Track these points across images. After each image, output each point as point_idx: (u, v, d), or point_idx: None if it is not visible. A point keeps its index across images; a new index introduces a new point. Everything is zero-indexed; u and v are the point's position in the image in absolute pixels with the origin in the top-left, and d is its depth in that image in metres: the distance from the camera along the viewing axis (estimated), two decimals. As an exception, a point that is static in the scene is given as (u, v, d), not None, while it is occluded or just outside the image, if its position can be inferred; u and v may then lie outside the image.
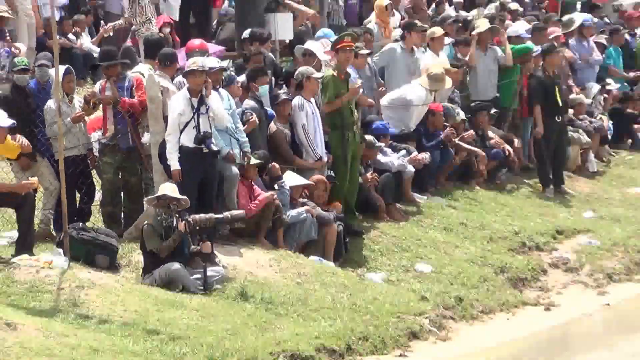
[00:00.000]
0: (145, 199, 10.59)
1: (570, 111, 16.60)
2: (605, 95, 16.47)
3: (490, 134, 14.98)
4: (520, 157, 15.32)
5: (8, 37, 15.24)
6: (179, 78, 10.88)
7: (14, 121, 9.71)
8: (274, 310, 10.18)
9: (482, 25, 15.85)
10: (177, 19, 15.42)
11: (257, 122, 11.98)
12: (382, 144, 13.38)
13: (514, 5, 18.84)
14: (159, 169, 10.59)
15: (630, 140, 16.75)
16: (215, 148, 10.53)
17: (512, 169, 15.15)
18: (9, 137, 9.47)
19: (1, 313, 8.54)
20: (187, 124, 10.27)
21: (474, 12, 17.85)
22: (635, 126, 16.97)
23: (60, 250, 9.83)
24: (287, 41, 14.56)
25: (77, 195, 10.65)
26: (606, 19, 20.44)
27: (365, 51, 13.49)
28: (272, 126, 12.39)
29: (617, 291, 12.96)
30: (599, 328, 12.49)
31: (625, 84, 16.99)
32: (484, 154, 14.50)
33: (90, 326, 8.90)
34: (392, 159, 13.17)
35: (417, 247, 12.84)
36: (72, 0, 17.83)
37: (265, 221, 11.11)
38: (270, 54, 13.35)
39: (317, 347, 9.49)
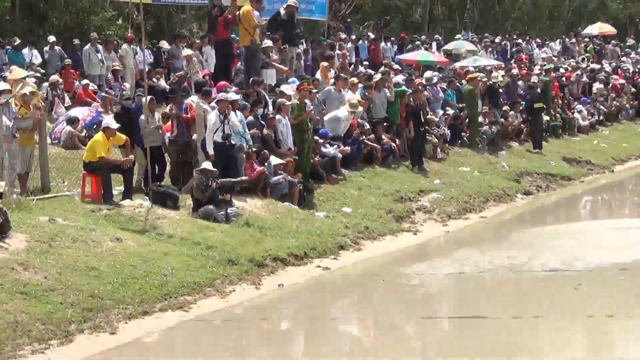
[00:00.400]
0: (194, 170, 10.22)
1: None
2: (446, 116, 16.18)
3: (384, 136, 14.26)
4: (400, 149, 14.61)
5: (120, 79, 15.11)
6: (213, 103, 10.55)
7: (119, 124, 9.71)
8: (264, 232, 9.82)
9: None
10: (213, 71, 14.63)
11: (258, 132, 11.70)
12: (324, 141, 12.93)
13: (396, 66, 18.65)
14: (201, 154, 10.37)
15: (459, 141, 16.30)
16: (233, 142, 10.33)
17: (395, 156, 14.43)
18: (118, 132, 9.49)
19: (113, 232, 8.52)
20: (217, 129, 10.11)
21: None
22: (462, 133, 16.47)
23: (147, 197, 9.76)
24: (272, 85, 14.07)
25: (156, 167, 10.35)
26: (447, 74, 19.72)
27: (315, 90, 13.34)
28: (265, 131, 11.70)
29: (454, 224, 12.33)
30: (445, 244, 11.64)
31: (457, 110, 16.62)
32: (379, 147, 14.05)
33: (163, 240, 8.74)
34: (329, 149, 12.74)
35: (344, 198, 12.14)
36: (155, 59, 16.86)
37: (259, 183, 10.90)
38: (263, 91, 13.02)
39: (288, 253, 9.36)
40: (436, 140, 15.15)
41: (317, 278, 9.12)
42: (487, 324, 6.98)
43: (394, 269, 9.82)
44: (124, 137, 9.72)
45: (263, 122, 11.86)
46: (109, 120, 10.29)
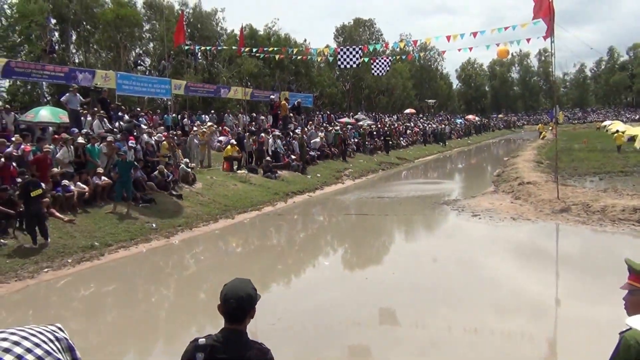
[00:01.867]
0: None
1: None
2: (354, 139, 32.05)
3: (331, 148, 28.95)
4: (340, 153, 29.93)
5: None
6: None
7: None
8: (287, 183, 22.59)
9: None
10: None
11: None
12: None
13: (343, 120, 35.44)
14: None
15: (361, 151, 32.05)
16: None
17: (340, 155, 29.73)
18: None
19: (234, 182, 21.63)
20: None
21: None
22: (361, 148, 34.43)
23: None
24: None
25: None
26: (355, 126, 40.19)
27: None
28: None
29: (358, 181, 26.78)
30: (353, 188, 24.32)
31: (359, 139, 33.11)
32: (337, 150, 28.94)
33: (251, 185, 22.08)
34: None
35: (319, 171, 26.46)
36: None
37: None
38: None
39: (296, 190, 22.18)
40: (350, 149, 30.81)
41: (307, 199, 21.90)
42: (368, 217, 19.08)
43: (334, 196, 22.93)
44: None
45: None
46: None
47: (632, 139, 42.43)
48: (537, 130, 65.74)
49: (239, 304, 2.93)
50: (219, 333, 2.99)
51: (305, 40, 60.42)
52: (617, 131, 42.72)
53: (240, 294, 2.95)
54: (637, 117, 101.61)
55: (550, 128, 57.22)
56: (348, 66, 26.06)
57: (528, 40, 21.21)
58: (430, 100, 78.97)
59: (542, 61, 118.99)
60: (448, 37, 23.47)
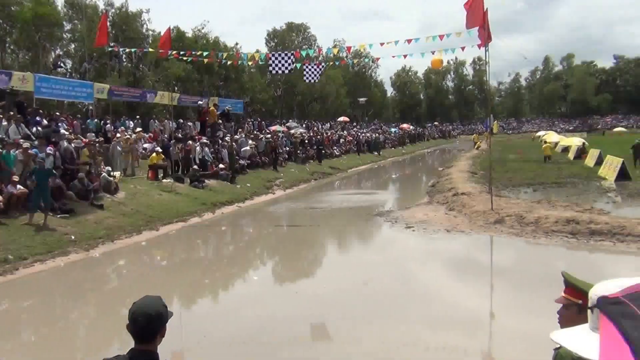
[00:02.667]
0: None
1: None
2: (287, 148, 32.59)
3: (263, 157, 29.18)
4: (270, 162, 30.23)
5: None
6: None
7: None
8: (215, 192, 23.22)
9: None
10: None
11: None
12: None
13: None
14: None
15: (293, 160, 32.50)
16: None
17: (271, 164, 29.97)
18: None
19: (158, 191, 21.58)
20: None
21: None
22: (292, 156, 34.54)
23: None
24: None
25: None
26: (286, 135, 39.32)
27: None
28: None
29: (288, 190, 27.07)
30: (284, 199, 24.40)
31: (292, 147, 33.63)
32: (268, 159, 29.12)
33: (177, 195, 22.00)
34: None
35: (249, 180, 26.78)
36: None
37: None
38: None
39: (224, 201, 22.34)
40: (282, 158, 31.13)
41: (236, 210, 21.98)
42: (300, 229, 19.36)
43: (265, 207, 23.17)
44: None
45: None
46: None
47: (566, 149, 44.89)
48: (472, 140, 68.03)
49: (148, 323, 2.88)
50: (127, 354, 2.92)
51: (236, 44, 60.27)
52: (545, 142, 44.94)
53: (149, 312, 2.91)
54: (571, 127, 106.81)
55: (485, 138, 59.27)
56: (280, 72, 26.17)
57: (463, 48, 21.76)
58: (361, 99, 79.20)
59: (477, 70, 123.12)
60: (382, 44, 23.97)
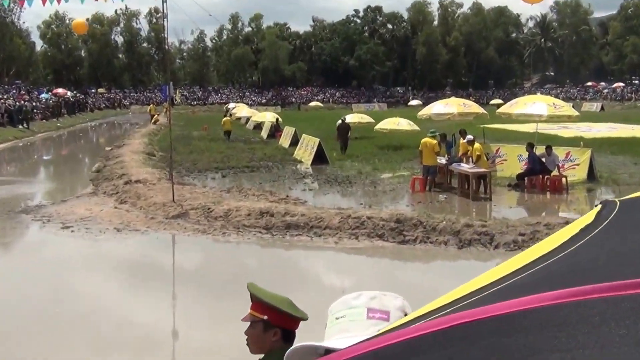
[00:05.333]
0: None
1: None
2: None
3: None
4: None
5: None
6: None
7: None
8: None
9: None
10: None
11: None
12: None
13: None
14: None
15: None
16: None
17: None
18: None
19: None
20: None
21: None
22: None
23: None
24: None
25: None
26: None
27: None
28: None
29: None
30: None
31: None
32: None
33: None
34: None
35: None
36: None
37: None
38: None
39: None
40: None
41: None
42: None
43: None
44: None
45: None
46: None
47: (259, 126, 47.42)
48: (149, 112, 68.10)
49: None
50: None
51: None
52: (226, 115, 47.62)
53: None
54: (264, 100, 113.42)
55: (164, 110, 59.77)
56: None
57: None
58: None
59: (154, 24, 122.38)
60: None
